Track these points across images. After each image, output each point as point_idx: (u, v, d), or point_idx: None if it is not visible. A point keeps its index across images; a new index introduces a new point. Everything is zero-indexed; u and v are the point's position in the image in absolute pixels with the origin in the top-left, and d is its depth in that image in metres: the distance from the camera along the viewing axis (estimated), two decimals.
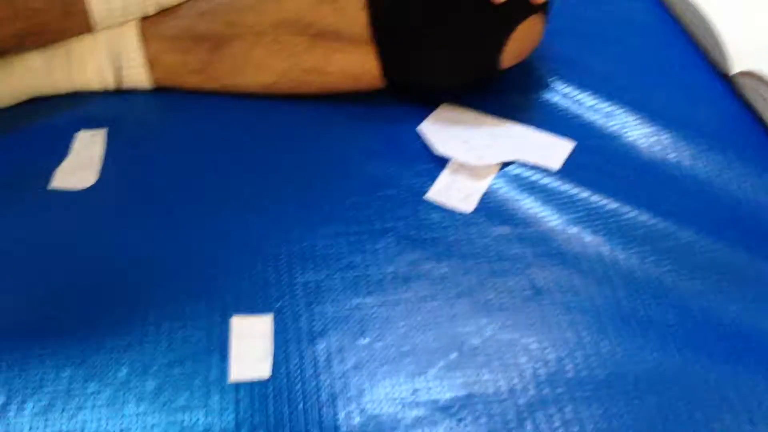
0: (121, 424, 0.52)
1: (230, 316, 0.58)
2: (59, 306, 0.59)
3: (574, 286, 0.61)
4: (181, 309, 0.59)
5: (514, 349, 0.57)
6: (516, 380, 0.56)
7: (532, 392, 0.55)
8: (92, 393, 0.54)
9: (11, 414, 0.52)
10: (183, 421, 0.52)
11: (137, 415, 0.53)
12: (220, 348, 0.57)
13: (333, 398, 0.54)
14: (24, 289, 0.60)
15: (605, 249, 0.64)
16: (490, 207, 0.67)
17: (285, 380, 0.55)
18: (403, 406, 0.54)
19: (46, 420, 0.52)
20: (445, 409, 0.54)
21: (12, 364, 0.55)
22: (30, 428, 0.51)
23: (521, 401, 0.54)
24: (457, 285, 0.61)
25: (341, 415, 0.53)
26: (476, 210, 0.67)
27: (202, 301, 0.59)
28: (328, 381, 0.55)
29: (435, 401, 0.54)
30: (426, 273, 0.62)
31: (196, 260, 0.62)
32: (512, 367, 0.56)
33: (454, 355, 0.57)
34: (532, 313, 0.60)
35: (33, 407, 0.52)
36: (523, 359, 0.57)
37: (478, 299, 0.61)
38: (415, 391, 0.55)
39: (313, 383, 0.55)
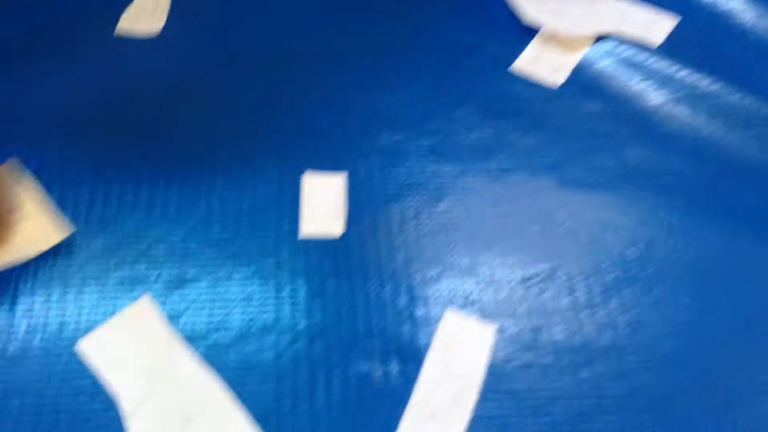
0: (191, 267, 0.50)
1: (303, 172, 0.55)
2: (118, 145, 0.57)
3: (670, 168, 0.57)
4: (254, 162, 0.56)
5: (602, 228, 0.54)
6: (602, 258, 0.52)
7: (619, 271, 0.52)
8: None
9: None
10: (252, 270, 0.50)
11: (208, 259, 0.51)
12: (291, 204, 0.54)
13: (408, 261, 0.51)
14: (92, 136, 0.58)
15: (705, 131, 0.59)
16: (581, 81, 0.62)
17: (357, 240, 0.52)
18: (480, 276, 0.51)
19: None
20: (526, 281, 0.51)
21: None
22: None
23: (608, 278, 0.51)
24: (543, 158, 0.57)
25: (417, 278, 0.50)
26: (566, 84, 0.62)
27: (275, 155, 0.56)
28: (402, 244, 0.52)
29: (515, 273, 0.51)
30: (510, 144, 0.58)
31: (270, 115, 0.59)
32: (599, 245, 0.53)
33: (536, 229, 0.54)
34: (622, 193, 0.56)
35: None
36: (610, 238, 0.53)
37: (565, 174, 0.57)
38: (492, 261, 0.52)
39: (386, 245, 0.52)
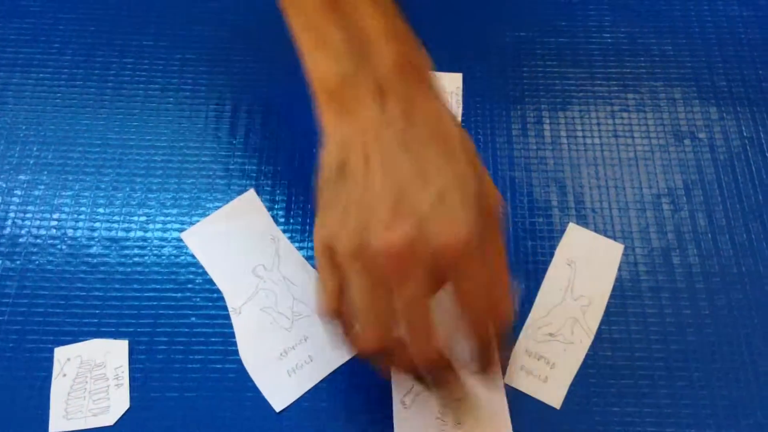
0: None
1: None
2: None
3: None
4: None
5: (744, 143, 0.49)
6: (744, 176, 0.48)
7: (763, 193, 0.47)
8: None
9: None
10: None
11: None
12: None
13: (527, 171, 0.48)
14: None
15: None
16: None
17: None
18: (607, 191, 0.47)
19: None
20: (657, 198, 0.47)
21: None
22: None
23: (749, 200, 0.47)
24: (682, 66, 0.52)
25: (537, 189, 0.47)
26: None
27: None
28: (522, 152, 0.48)
29: (646, 190, 0.47)
30: (646, 48, 0.53)
31: None
32: (741, 162, 0.48)
33: (671, 143, 0.49)
34: None
35: None
36: (756, 156, 0.48)
37: (707, 83, 0.51)
38: (621, 176, 0.48)
39: (505, 152, 0.48)
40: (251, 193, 0.46)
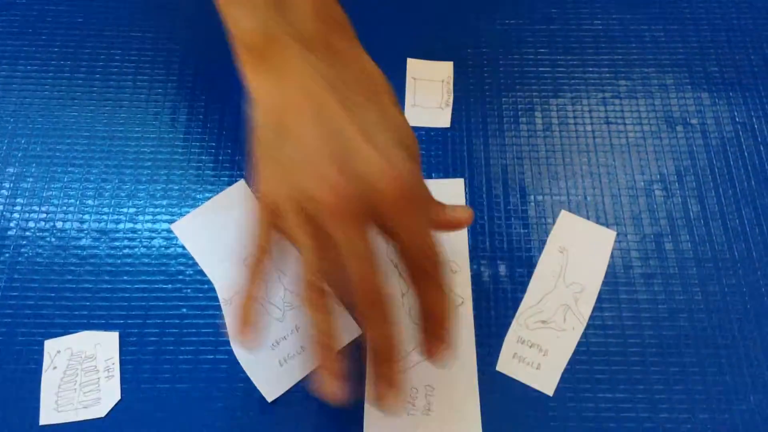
0: None
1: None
2: None
3: None
4: None
5: (737, 129, 0.49)
6: (737, 162, 0.48)
7: (756, 178, 0.47)
8: None
9: None
10: None
11: None
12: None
13: (519, 159, 0.47)
14: None
15: None
16: None
17: (464, 133, 0.48)
18: (599, 178, 0.47)
19: None
20: (650, 185, 0.46)
21: None
22: None
23: (743, 184, 0.46)
24: (674, 53, 0.52)
25: (528, 177, 0.47)
26: None
27: (380, 42, 0.52)
28: (513, 140, 0.48)
29: (638, 177, 0.47)
30: (637, 35, 0.52)
31: None
32: (733, 147, 0.48)
33: (663, 129, 0.49)
34: (763, 90, 0.50)
35: None
36: (747, 140, 0.48)
37: (698, 70, 0.51)
38: (613, 163, 0.48)
39: (497, 140, 0.48)
40: (241, 184, 0.46)
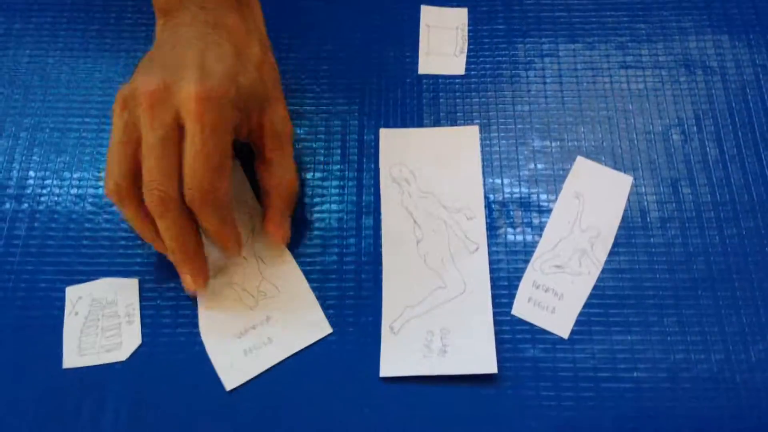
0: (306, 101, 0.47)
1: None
2: None
3: None
4: None
5: (757, 72, 0.48)
6: (757, 106, 0.47)
7: None
8: None
9: None
10: (368, 107, 0.47)
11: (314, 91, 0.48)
12: (412, 39, 0.50)
13: (535, 106, 0.47)
14: None
15: None
16: None
17: (478, 81, 0.48)
18: (615, 123, 0.46)
19: None
20: (667, 129, 0.46)
21: None
22: None
23: (762, 129, 0.46)
24: None
25: (543, 124, 0.47)
26: None
27: None
28: (528, 88, 0.48)
29: (656, 121, 0.46)
30: None
31: None
32: (754, 91, 0.48)
33: (682, 72, 0.48)
34: None
35: None
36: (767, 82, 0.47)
37: (718, 12, 0.50)
38: (629, 107, 0.47)
39: (511, 88, 0.48)
40: (234, 163, 0.45)
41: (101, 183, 0.45)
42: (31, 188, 0.45)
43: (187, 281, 0.40)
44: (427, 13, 0.51)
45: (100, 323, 0.41)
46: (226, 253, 0.41)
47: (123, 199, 0.37)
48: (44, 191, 0.45)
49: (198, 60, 0.37)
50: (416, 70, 0.49)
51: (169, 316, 0.41)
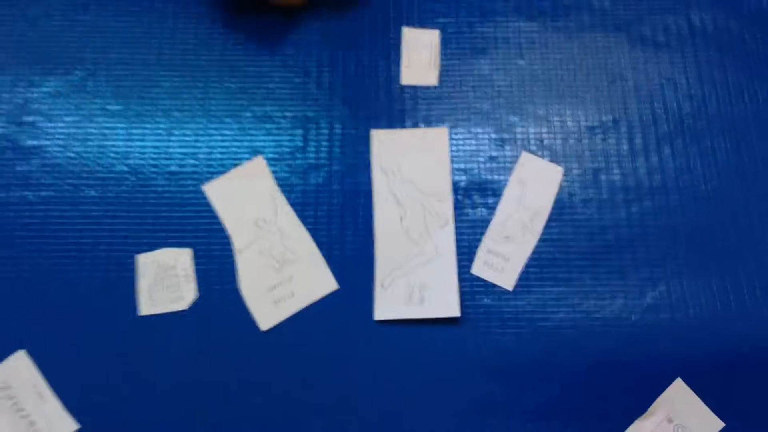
0: (312, 108, 0.61)
1: (400, 27, 0.64)
2: None
3: (730, 29, 0.63)
4: (359, 20, 0.64)
5: (662, 83, 0.62)
6: (660, 111, 0.61)
7: (674, 123, 0.60)
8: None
9: None
10: (363, 111, 0.60)
11: (316, 100, 0.61)
12: (394, 54, 0.63)
13: (493, 108, 0.61)
14: None
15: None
16: None
17: (449, 89, 0.62)
18: (553, 124, 0.60)
19: None
20: (591, 129, 0.60)
21: None
22: None
23: (662, 129, 0.60)
24: (616, 19, 0.64)
25: (499, 123, 0.60)
26: None
27: (382, 15, 0.64)
28: (488, 93, 0.61)
29: (583, 123, 0.60)
30: (588, 5, 0.65)
31: None
32: (659, 99, 0.61)
33: (605, 84, 0.62)
34: (685, 51, 0.63)
35: None
36: (669, 93, 0.61)
37: (635, 34, 0.64)
38: (564, 112, 0.61)
39: (474, 94, 0.61)
40: (260, 159, 0.59)
41: (158, 175, 0.58)
42: (101, 179, 0.58)
43: None
44: (407, 33, 0.64)
45: (165, 282, 0.55)
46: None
47: None
48: (113, 181, 0.58)
49: None
50: (399, 80, 0.62)
51: (217, 276, 0.55)
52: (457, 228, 0.57)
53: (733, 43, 0.63)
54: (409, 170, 0.58)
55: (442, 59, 0.63)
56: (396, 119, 0.60)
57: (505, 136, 0.60)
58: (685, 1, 0.65)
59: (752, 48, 0.63)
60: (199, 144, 0.59)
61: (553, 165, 0.59)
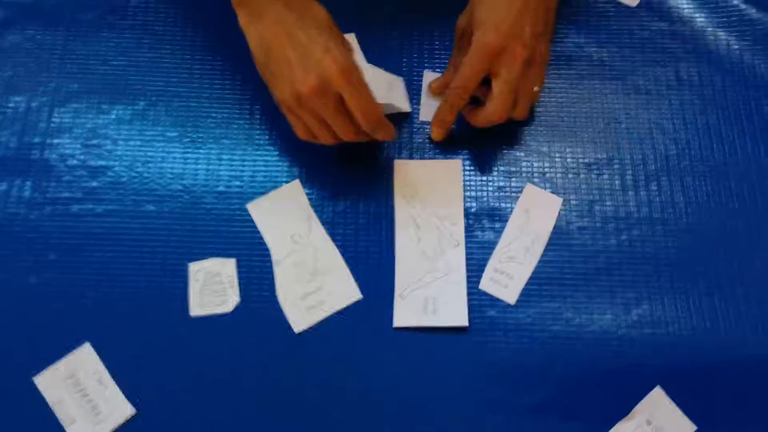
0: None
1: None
2: None
3: (714, 82, 0.72)
4: (387, 58, 0.72)
5: (651, 127, 0.70)
6: (649, 152, 0.69)
7: (660, 162, 0.69)
8: None
9: None
10: (381, 144, 0.69)
11: None
12: (416, 94, 0.71)
13: (499, 144, 0.69)
14: None
15: (748, 54, 0.73)
16: (652, 2, 0.76)
17: (458, 123, 0.70)
18: (555, 159, 0.69)
19: None
20: (588, 166, 0.68)
21: None
22: None
23: (651, 168, 0.68)
24: (612, 69, 0.73)
25: (506, 158, 0.69)
26: (640, 4, 0.76)
27: (407, 58, 0.73)
28: (495, 130, 0.70)
29: (581, 160, 0.69)
30: (588, 56, 0.73)
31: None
32: (648, 141, 0.70)
33: (601, 126, 0.70)
34: (672, 99, 0.71)
35: None
36: (657, 136, 0.70)
37: (629, 83, 0.72)
38: (565, 149, 0.69)
39: (483, 132, 0.70)
40: (297, 183, 0.67)
41: (207, 194, 0.66)
42: (157, 196, 0.66)
43: (389, 132, 0.60)
44: (427, 76, 0.73)
45: (212, 287, 0.63)
46: (386, 137, 0.61)
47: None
48: (168, 198, 0.66)
49: (315, 47, 0.54)
50: (419, 117, 0.71)
51: (257, 284, 0.63)
52: (467, 248, 0.65)
53: (715, 94, 0.71)
54: (427, 196, 0.67)
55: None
56: (416, 151, 0.69)
57: (512, 169, 0.68)
58: (675, 55, 0.73)
59: (732, 99, 0.71)
60: (244, 168, 0.68)
61: (553, 196, 0.67)
